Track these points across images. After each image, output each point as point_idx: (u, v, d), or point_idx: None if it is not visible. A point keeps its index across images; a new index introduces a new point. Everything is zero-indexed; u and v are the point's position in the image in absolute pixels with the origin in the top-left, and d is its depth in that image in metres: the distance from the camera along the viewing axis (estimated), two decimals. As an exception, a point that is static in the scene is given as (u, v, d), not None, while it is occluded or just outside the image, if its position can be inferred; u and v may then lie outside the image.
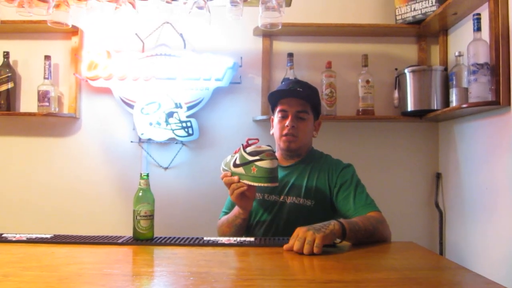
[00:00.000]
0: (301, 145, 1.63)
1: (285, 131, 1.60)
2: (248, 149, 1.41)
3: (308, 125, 1.64)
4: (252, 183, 1.37)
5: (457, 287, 0.97)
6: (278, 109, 1.65)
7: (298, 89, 1.63)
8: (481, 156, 1.98)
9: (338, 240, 1.26)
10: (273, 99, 1.69)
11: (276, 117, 1.66)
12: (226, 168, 1.48)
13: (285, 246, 1.21)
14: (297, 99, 1.62)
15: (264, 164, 1.35)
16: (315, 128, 1.71)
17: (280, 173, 1.63)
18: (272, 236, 1.57)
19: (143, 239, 1.33)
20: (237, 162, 1.42)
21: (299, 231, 1.20)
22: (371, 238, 1.34)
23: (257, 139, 1.44)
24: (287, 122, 1.60)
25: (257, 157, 1.36)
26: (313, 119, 1.67)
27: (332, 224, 1.24)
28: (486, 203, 1.93)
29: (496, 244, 1.85)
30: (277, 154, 1.65)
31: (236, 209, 1.53)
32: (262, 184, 1.36)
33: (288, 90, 1.65)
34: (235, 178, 1.41)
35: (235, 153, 1.47)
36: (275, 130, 1.67)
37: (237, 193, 1.41)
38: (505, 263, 1.75)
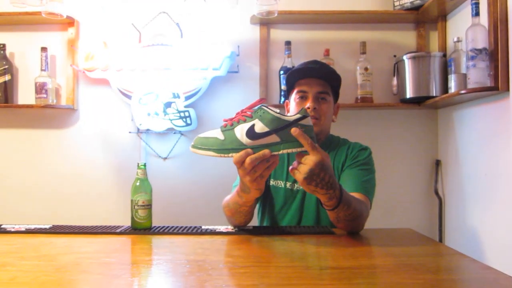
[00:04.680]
0: (322, 129, 1.52)
1: None
2: (274, 110, 1.08)
3: (329, 107, 1.53)
4: (297, 149, 1.06)
5: (454, 272, 0.97)
6: (296, 90, 1.54)
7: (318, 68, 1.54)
8: (480, 142, 1.97)
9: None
10: (291, 80, 1.58)
11: (294, 99, 1.54)
12: (226, 148, 1.08)
13: (291, 169, 1.10)
14: (317, 79, 1.52)
15: (310, 121, 1.07)
16: (334, 112, 1.60)
17: None
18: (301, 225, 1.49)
19: (141, 228, 1.34)
20: (261, 130, 1.06)
21: (312, 170, 1.05)
22: (352, 222, 1.25)
23: (264, 99, 1.17)
24: (308, 104, 1.48)
25: (298, 115, 1.06)
26: (333, 102, 1.57)
27: (335, 191, 1.13)
28: (485, 190, 1.93)
29: (495, 231, 1.85)
30: None
31: (244, 195, 1.21)
32: None
33: (309, 68, 1.53)
34: (266, 152, 1.05)
35: (229, 123, 1.11)
36: (292, 113, 1.54)
37: (268, 172, 1.10)
38: (505, 249, 1.76)
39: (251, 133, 1.06)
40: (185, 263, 0.97)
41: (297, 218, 1.52)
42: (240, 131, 1.07)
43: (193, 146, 1.12)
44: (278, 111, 1.08)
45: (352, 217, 1.23)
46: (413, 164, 2.43)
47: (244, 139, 1.06)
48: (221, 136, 1.09)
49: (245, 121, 1.08)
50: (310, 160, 1.05)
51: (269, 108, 1.07)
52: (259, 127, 1.06)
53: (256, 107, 1.11)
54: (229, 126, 1.09)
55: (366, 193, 1.41)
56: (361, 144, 1.60)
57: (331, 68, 1.59)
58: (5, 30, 2.45)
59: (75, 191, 2.42)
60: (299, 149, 1.06)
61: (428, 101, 2.19)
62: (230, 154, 1.07)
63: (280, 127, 1.05)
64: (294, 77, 1.56)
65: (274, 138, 1.05)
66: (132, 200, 1.34)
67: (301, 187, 1.48)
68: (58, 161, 2.43)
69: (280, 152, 1.06)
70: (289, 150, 1.05)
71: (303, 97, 1.52)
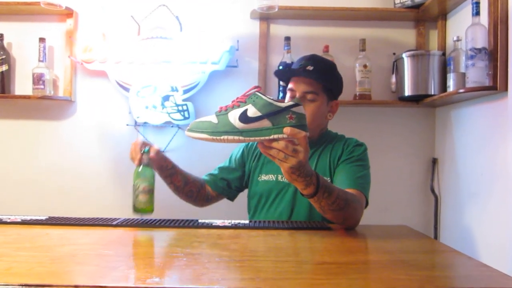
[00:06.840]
0: (309, 128, 1.55)
1: None
2: (268, 97, 1.10)
3: (317, 107, 1.52)
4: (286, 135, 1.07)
5: (448, 269, 0.98)
6: (288, 87, 1.55)
7: (308, 67, 1.51)
8: (478, 142, 1.98)
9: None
10: (285, 76, 1.59)
11: (287, 97, 1.57)
12: (219, 131, 1.09)
13: (271, 143, 1.08)
14: (306, 78, 1.52)
15: (302, 109, 1.09)
16: (331, 110, 1.60)
17: None
18: (292, 218, 1.51)
19: (142, 212, 1.35)
20: (253, 114, 1.07)
21: (301, 162, 1.07)
22: (339, 212, 1.23)
23: (259, 86, 1.18)
24: None
25: (291, 103, 1.08)
26: (325, 100, 1.55)
27: (312, 178, 1.14)
28: (481, 189, 1.94)
29: (490, 229, 1.86)
30: None
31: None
32: None
33: (294, 70, 1.54)
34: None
35: (224, 109, 1.12)
36: None
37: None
38: (500, 248, 1.77)
39: (243, 117, 1.08)
40: (182, 256, 0.97)
41: (289, 210, 1.53)
42: (234, 116, 1.09)
43: (188, 130, 1.14)
44: (271, 97, 1.09)
45: (337, 206, 1.21)
46: (409, 162, 2.44)
47: (237, 123, 1.08)
48: (215, 120, 1.11)
49: (239, 106, 1.10)
50: (301, 153, 1.06)
51: (262, 94, 1.09)
52: (252, 111, 1.07)
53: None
54: (223, 111, 1.11)
55: (362, 189, 1.41)
56: (357, 139, 1.61)
57: (323, 66, 1.56)
58: (3, 19, 2.43)
59: (71, 183, 2.41)
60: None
61: (427, 99, 2.19)
62: (222, 137, 1.09)
63: (272, 112, 1.06)
64: (285, 74, 1.58)
65: (265, 123, 1.07)
66: (133, 185, 1.36)
67: None
68: (55, 153, 2.42)
69: (271, 137, 1.06)
70: (280, 136, 1.06)
71: (292, 97, 1.53)
